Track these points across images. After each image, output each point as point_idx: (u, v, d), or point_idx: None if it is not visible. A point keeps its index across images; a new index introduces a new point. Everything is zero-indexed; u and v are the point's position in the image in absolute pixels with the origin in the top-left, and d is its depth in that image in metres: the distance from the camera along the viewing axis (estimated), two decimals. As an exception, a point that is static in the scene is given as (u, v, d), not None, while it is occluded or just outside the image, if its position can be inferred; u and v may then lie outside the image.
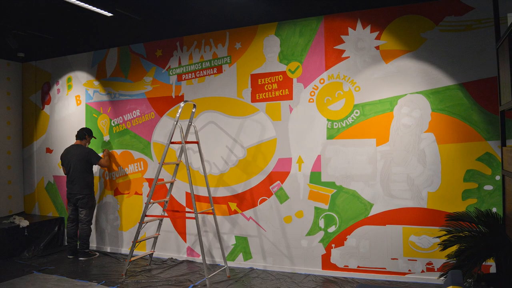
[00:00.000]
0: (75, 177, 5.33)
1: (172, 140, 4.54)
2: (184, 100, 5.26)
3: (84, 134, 5.48)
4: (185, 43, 5.29)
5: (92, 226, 5.91)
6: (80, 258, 5.33)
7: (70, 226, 5.45)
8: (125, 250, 5.63)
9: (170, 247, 5.35)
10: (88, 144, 5.59)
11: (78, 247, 5.42)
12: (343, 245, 4.44)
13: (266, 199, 4.80)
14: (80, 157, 5.33)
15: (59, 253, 5.66)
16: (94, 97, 5.94)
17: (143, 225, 4.67)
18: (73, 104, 6.11)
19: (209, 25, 4.94)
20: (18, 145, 6.57)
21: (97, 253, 5.56)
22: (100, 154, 5.66)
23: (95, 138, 5.70)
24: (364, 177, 4.36)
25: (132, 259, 4.70)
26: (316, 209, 4.56)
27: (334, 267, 4.48)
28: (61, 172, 6.17)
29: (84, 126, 5.98)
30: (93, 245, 5.89)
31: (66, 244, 5.58)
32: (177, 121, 4.43)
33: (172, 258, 5.28)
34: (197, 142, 4.65)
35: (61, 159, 5.51)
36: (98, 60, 5.91)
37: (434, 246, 4.04)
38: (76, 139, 5.51)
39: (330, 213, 4.49)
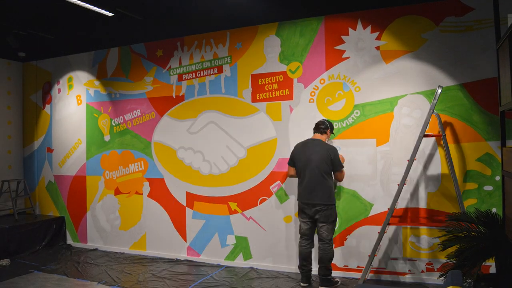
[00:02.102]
0: (315, 182, 4.01)
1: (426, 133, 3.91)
2: (185, 99, 5.27)
3: (327, 126, 4.20)
4: (185, 43, 5.30)
5: (92, 225, 5.92)
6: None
7: (305, 245, 4.14)
8: (125, 250, 5.64)
9: (170, 246, 5.35)
10: (328, 141, 4.29)
11: (318, 272, 4.14)
12: (343, 245, 4.45)
13: (266, 199, 4.81)
14: (322, 156, 4.01)
15: (60, 253, 5.67)
16: (94, 96, 5.95)
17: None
18: (74, 103, 6.12)
19: (210, 25, 4.94)
20: (18, 145, 6.58)
21: (339, 280, 4.22)
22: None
23: (334, 134, 4.45)
24: (364, 177, 4.37)
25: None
26: (316, 209, 4.56)
27: (334, 267, 4.47)
28: (61, 171, 6.19)
29: (84, 125, 5.99)
30: (93, 244, 5.91)
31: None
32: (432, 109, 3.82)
33: (172, 257, 5.29)
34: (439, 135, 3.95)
35: (292, 157, 4.24)
36: (98, 60, 5.92)
37: (434, 246, 4.05)
38: (315, 133, 4.22)
39: (330, 213, 4.50)
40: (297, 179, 4.24)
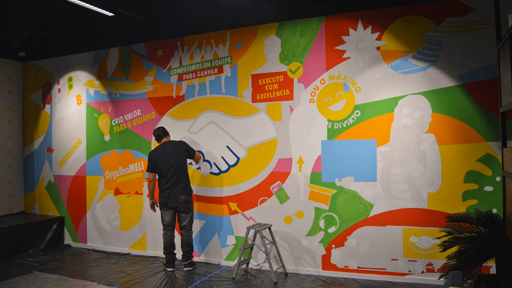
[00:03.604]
0: (176, 176, 4.69)
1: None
2: (185, 99, 5.27)
3: (167, 132, 4.94)
4: (186, 43, 5.29)
5: (92, 225, 5.93)
6: (187, 269, 4.74)
7: (169, 235, 4.79)
8: (125, 250, 5.64)
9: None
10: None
11: (182, 255, 4.78)
12: (343, 245, 4.44)
13: (267, 199, 4.80)
14: (179, 152, 4.74)
15: (60, 253, 5.67)
16: (95, 96, 5.94)
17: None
18: (74, 103, 6.11)
19: (210, 25, 4.94)
20: (18, 145, 6.58)
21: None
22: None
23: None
24: (365, 177, 4.36)
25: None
26: (317, 210, 4.56)
27: (334, 268, 4.48)
28: (61, 171, 6.18)
29: (84, 125, 5.99)
30: (93, 244, 5.91)
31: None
32: None
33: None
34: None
35: (152, 161, 4.76)
36: (99, 59, 5.92)
37: (434, 247, 4.04)
38: (162, 139, 4.88)
39: (331, 213, 4.50)
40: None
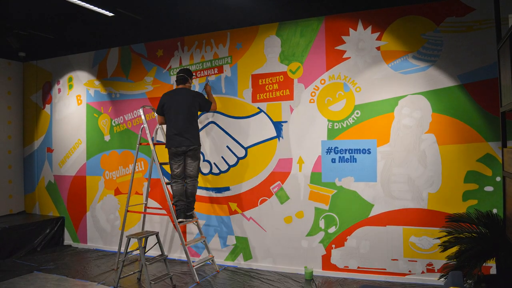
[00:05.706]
0: (184, 126, 4.45)
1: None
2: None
3: (186, 77, 4.67)
4: (186, 43, 5.29)
5: (92, 226, 5.92)
6: (186, 219, 4.57)
7: (179, 183, 4.57)
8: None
9: (170, 247, 5.34)
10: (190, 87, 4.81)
11: (185, 206, 4.59)
12: (343, 245, 4.44)
13: (267, 199, 4.80)
14: (190, 101, 4.49)
15: (60, 253, 5.67)
16: (95, 96, 5.94)
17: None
18: (74, 103, 6.11)
19: (210, 25, 4.94)
20: (18, 145, 6.58)
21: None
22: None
23: (195, 77, 5.06)
24: (365, 177, 4.36)
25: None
26: (317, 210, 4.56)
27: (334, 268, 4.48)
28: (61, 171, 6.18)
29: (84, 125, 5.99)
30: (93, 244, 5.90)
31: (173, 204, 4.60)
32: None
33: (172, 258, 5.29)
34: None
35: (161, 105, 4.59)
36: (99, 60, 5.92)
37: (435, 247, 4.04)
38: (178, 84, 4.68)
39: (331, 213, 4.50)
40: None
